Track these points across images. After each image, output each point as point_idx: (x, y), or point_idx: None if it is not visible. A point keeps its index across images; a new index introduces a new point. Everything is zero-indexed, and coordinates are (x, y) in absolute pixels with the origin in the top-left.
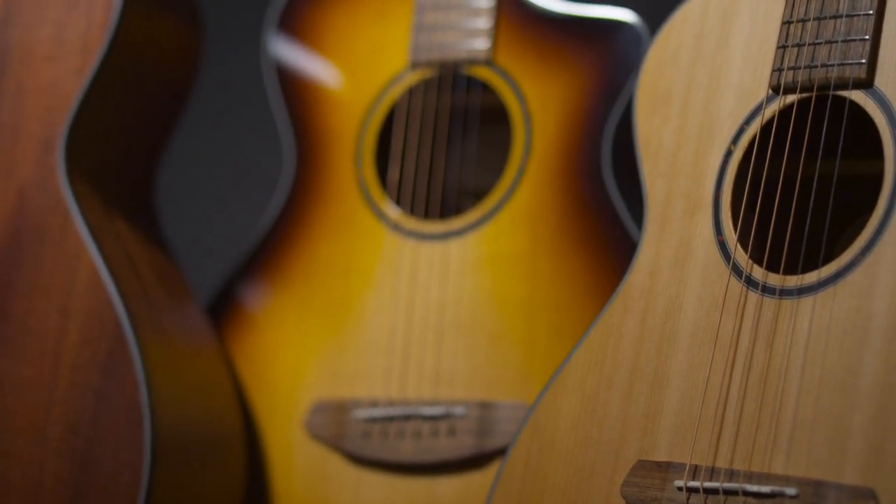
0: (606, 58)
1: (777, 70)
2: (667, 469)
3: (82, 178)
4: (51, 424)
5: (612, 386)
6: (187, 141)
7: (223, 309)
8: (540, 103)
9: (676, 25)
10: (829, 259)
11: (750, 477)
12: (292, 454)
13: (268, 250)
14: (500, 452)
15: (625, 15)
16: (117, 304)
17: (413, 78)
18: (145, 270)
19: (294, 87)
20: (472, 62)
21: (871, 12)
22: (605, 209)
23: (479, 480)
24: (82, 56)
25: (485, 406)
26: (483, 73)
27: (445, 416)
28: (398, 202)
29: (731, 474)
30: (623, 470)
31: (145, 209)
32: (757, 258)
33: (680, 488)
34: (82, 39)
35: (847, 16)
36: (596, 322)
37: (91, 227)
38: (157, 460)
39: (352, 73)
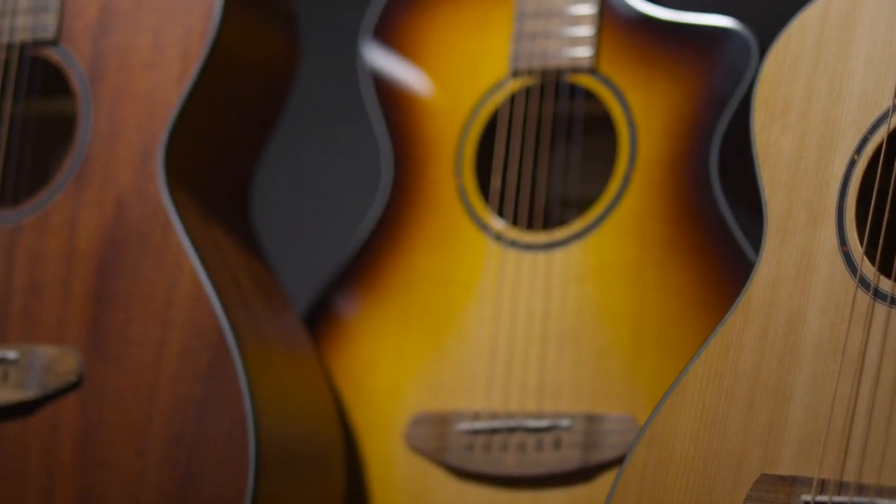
0: (713, 66)
1: None
2: (792, 483)
3: (181, 185)
4: (151, 436)
5: (732, 398)
6: (283, 149)
7: (319, 319)
8: (645, 112)
9: (795, 33)
10: None
11: (881, 491)
12: (392, 467)
13: (365, 260)
14: (606, 466)
15: (731, 22)
16: (219, 313)
17: (514, 86)
18: (244, 279)
19: (391, 96)
20: (575, 70)
21: None
22: (713, 220)
23: (584, 494)
24: (181, 63)
25: (591, 419)
26: (586, 81)
27: (551, 429)
28: (500, 212)
29: (861, 488)
30: (745, 484)
31: (242, 218)
32: (884, 269)
33: (808, 503)
34: (181, 46)
35: None
36: (714, 334)
37: (191, 235)
38: (261, 473)
39: (450, 82)
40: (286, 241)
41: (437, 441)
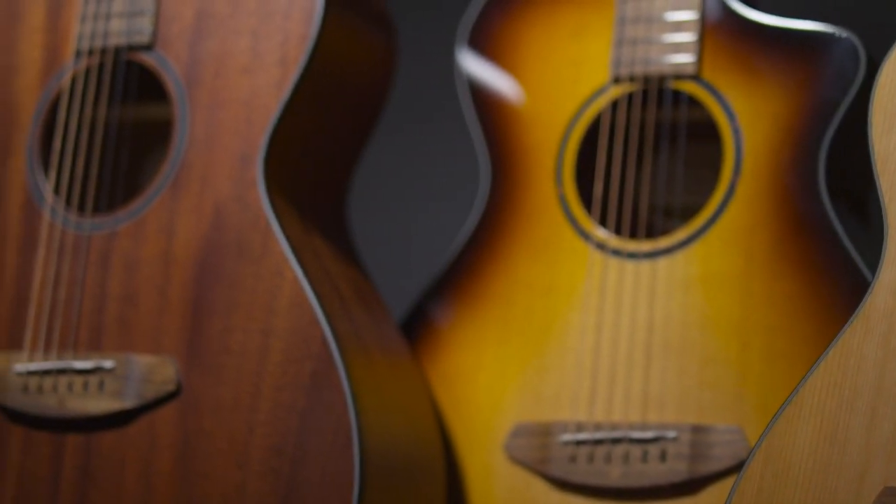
0: (819, 72)
1: None
2: None
3: (280, 192)
4: (253, 447)
5: (853, 409)
6: (379, 155)
7: (416, 328)
8: (750, 119)
9: None
10: None
11: None
12: (491, 478)
13: (463, 268)
14: (714, 478)
15: (836, 28)
16: (322, 322)
17: (615, 93)
18: (345, 288)
19: (487, 104)
20: (678, 76)
21: None
22: (822, 229)
23: None
24: (281, 68)
25: (698, 430)
26: (689, 87)
27: (656, 440)
28: (602, 220)
29: None
30: (868, 496)
31: (339, 225)
32: None
33: None
34: (280, 51)
35: None
36: (833, 344)
37: (292, 243)
38: (366, 484)
39: (549, 89)
40: (380, 248)
41: (539, 452)
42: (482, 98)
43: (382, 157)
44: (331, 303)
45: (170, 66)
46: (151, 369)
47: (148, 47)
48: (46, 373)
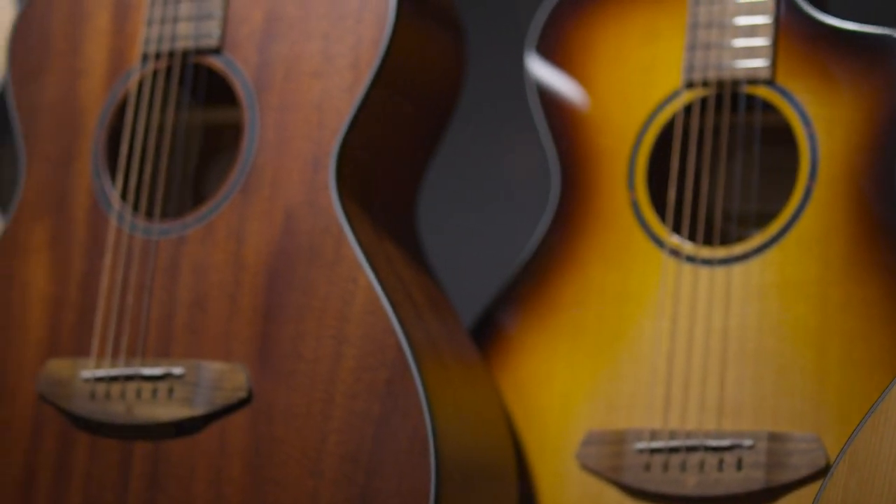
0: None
1: None
2: None
3: (352, 197)
4: (325, 455)
5: None
6: (448, 160)
7: (486, 335)
8: (826, 124)
9: None
10: None
11: None
12: (563, 486)
13: (533, 275)
14: (791, 487)
15: None
16: (397, 329)
17: (688, 98)
18: (417, 294)
19: (557, 109)
20: (752, 81)
21: None
22: None
23: None
24: (353, 72)
25: (774, 438)
26: (763, 92)
27: (732, 448)
28: (676, 226)
29: None
30: None
31: (410, 230)
32: None
33: None
34: (352, 54)
35: None
36: None
37: (365, 249)
38: (442, 492)
39: (620, 94)
40: (449, 254)
41: (612, 460)
42: (552, 102)
43: (452, 162)
44: (405, 310)
45: (238, 69)
46: (222, 376)
47: (216, 51)
48: (114, 379)
